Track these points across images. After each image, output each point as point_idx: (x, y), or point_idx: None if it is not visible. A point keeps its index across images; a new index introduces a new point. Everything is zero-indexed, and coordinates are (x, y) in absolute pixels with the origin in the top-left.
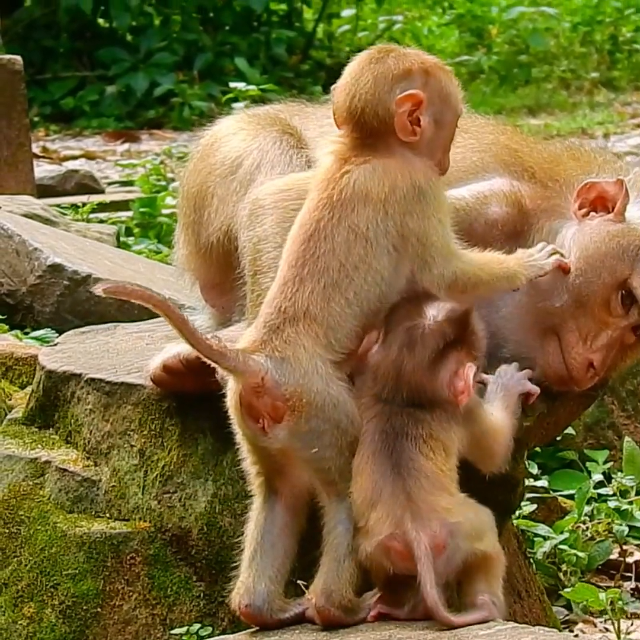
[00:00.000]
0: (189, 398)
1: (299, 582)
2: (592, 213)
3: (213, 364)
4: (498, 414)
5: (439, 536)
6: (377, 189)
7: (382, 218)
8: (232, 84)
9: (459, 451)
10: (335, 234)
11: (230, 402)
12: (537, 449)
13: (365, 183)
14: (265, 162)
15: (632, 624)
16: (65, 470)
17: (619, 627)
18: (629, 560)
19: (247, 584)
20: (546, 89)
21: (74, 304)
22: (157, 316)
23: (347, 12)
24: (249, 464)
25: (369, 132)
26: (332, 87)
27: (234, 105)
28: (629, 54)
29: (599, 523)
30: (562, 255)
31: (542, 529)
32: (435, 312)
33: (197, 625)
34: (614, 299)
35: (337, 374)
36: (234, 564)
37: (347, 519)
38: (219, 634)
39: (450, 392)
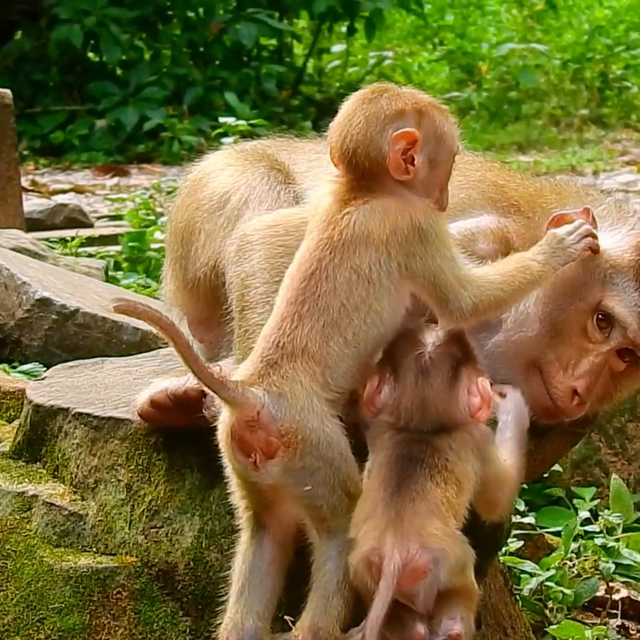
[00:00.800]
0: (176, 433)
1: (286, 617)
2: None
3: (211, 393)
4: (510, 460)
5: (417, 559)
6: (378, 231)
7: (385, 259)
8: (221, 119)
9: (472, 490)
10: (337, 274)
11: (222, 435)
12: (524, 485)
13: (366, 224)
14: (253, 198)
15: None
16: (52, 504)
17: None
18: (615, 597)
19: (235, 620)
20: (536, 126)
21: (62, 338)
22: (145, 351)
23: (338, 48)
24: (237, 499)
25: (362, 172)
26: (330, 126)
27: (224, 140)
28: (619, 91)
29: (585, 560)
30: (594, 236)
31: (529, 565)
32: (434, 338)
33: None
34: (590, 324)
35: (332, 412)
36: (221, 599)
37: (336, 556)
38: None
39: (469, 411)
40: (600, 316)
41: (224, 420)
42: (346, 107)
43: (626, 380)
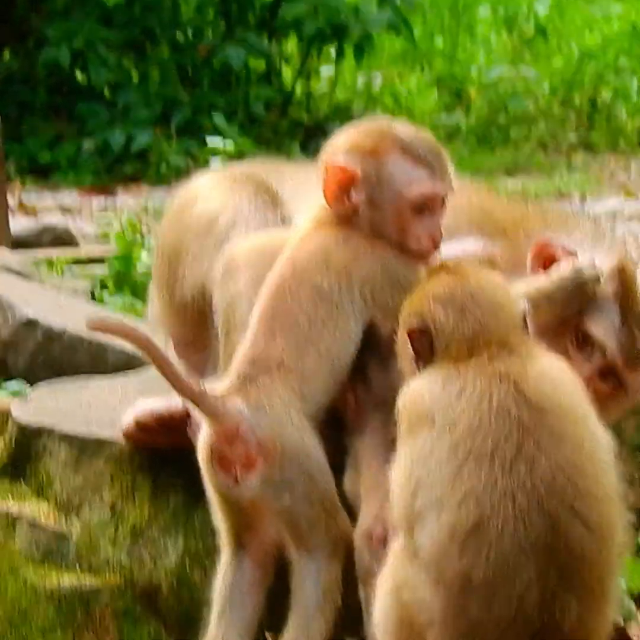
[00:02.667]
0: (161, 454)
1: (266, 635)
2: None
3: (191, 406)
4: None
5: None
6: (337, 257)
7: (346, 285)
8: (209, 141)
9: None
10: (300, 291)
11: (202, 453)
12: None
13: (328, 248)
14: (240, 220)
15: None
16: (36, 523)
17: None
18: None
19: (217, 639)
20: (524, 150)
21: (48, 358)
22: (130, 370)
23: (326, 70)
24: (218, 519)
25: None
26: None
27: (211, 162)
28: (608, 117)
29: None
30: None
31: None
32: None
33: None
34: (570, 347)
35: (310, 425)
36: (204, 620)
37: (315, 575)
38: None
39: None
40: (579, 338)
41: (203, 437)
42: None
43: (611, 403)
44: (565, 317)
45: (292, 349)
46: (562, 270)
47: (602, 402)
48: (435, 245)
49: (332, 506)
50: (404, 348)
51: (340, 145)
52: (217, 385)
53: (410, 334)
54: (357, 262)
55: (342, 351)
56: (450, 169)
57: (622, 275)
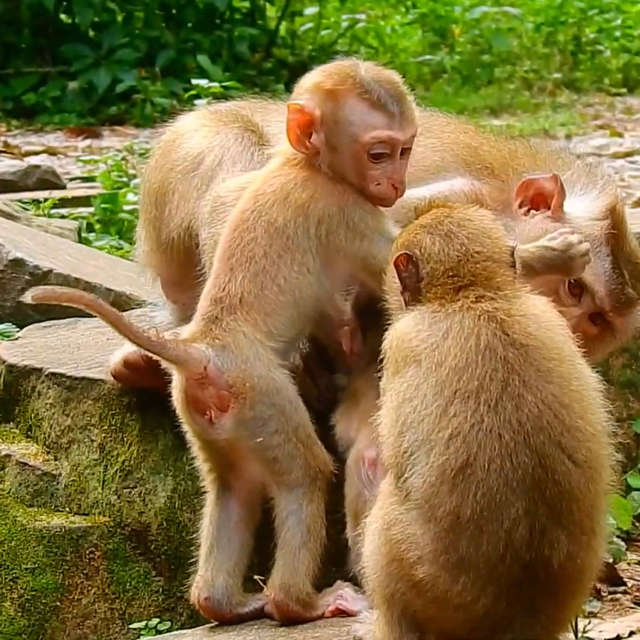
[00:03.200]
0: (150, 394)
1: (256, 577)
2: (533, 211)
3: (155, 356)
4: None
5: None
6: (296, 195)
7: (302, 221)
8: (194, 81)
9: None
10: (256, 225)
11: (177, 399)
12: None
13: (288, 186)
14: (227, 159)
15: (589, 622)
16: (25, 464)
17: (576, 626)
18: None
19: (206, 578)
20: (509, 90)
21: None
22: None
23: (310, 10)
24: (200, 461)
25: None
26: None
27: (196, 102)
28: (592, 55)
29: None
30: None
31: None
32: None
33: (155, 620)
34: (562, 289)
35: (279, 360)
36: (194, 559)
37: (297, 510)
38: (177, 629)
39: None
40: (571, 281)
41: (175, 384)
42: None
43: (599, 344)
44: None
45: (251, 284)
46: (552, 238)
47: (590, 343)
48: (397, 191)
49: (307, 438)
50: (391, 284)
51: (305, 86)
52: (183, 331)
53: (396, 263)
54: (314, 201)
55: (302, 283)
56: (414, 115)
57: (614, 217)
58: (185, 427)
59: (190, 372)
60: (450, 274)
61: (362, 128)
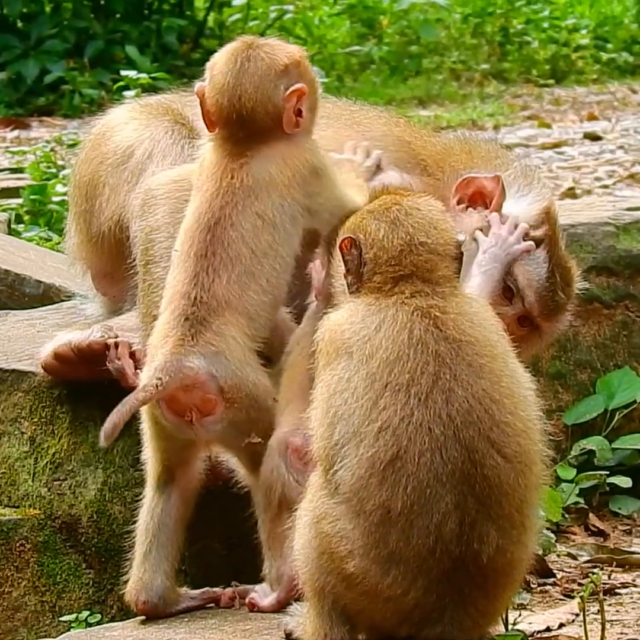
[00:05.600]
0: (80, 386)
1: (233, 583)
2: (470, 209)
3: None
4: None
5: None
6: (279, 175)
7: (289, 203)
8: (123, 72)
9: None
10: (242, 220)
11: (146, 396)
12: None
13: (267, 170)
14: (157, 152)
15: (519, 615)
16: None
17: (506, 618)
18: None
19: (144, 580)
20: (436, 80)
21: None
22: (48, 303)
23: (238, 1)
24: (150, 453)
25: (257, 128)
26: (197, 86)
27: (125, 93)
28: (520, 46)
29: None
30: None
31: None
32: None
33: (86, 613)
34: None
35: (260, 361)
36: (124, 552)
37: None
38: (107, 621)
39: None
40: (504, 284)
41: (146, 383)
42: (223, 69)
43: (525, 345)
44: None
45: (236, 285)
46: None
47: (516, 343)
48: None
49: None
50: (337, 267)
51: (266, 75)
52: (159, 331)
53: (341, 247)
54: (294, 176)
55: (281, 282)
56: None
57: (549, 222)
58: (147, 422)
59: (178, 383)
60: (393, 262)
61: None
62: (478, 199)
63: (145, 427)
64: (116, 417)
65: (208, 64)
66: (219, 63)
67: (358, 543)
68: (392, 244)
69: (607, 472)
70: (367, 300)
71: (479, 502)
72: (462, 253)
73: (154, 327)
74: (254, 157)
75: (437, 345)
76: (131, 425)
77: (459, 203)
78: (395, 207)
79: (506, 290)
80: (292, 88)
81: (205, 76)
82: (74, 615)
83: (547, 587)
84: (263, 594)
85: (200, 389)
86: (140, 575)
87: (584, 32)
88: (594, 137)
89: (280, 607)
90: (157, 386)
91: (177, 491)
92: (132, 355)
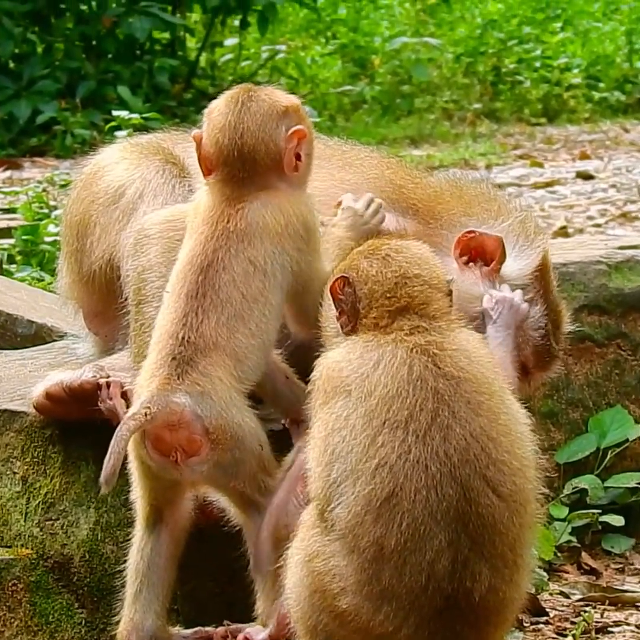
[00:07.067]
0: (72, 425)
1: (225, 622)
2: (471, 263)
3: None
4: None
5: None
6: (273, 223)
7: (279, 252)
8: (114, 112)
9: None
10: (234, 264)
11: (133, 437)
12: None
13: (262, 216)
14: (148, 192)
15: None
16: None
17: None
18: None
19: (135, 621)
20: (429, 120)
21: None
22: (40, 343)
23: (230, 41)
24: (138, 493)
25: (256, 169)
26: (194, 132)
27: (117, 133)
28: (512, 85)
29: None
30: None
31: None
32: None
33: None
34: None
35: (247, 403)
36: (117, 591)
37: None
38: None
39: None
40: None
41: (132, 421)
42: (223, 110)
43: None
44: None
45: (225, 328)
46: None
47: None
48: None
49: (272, 467)
50: (327, 312)
51: (268, 115)
52: (147, 370)
53: (332, 289)
54: (287, 227)
55: (271, 328)
56: None
57: (544, 276)
58: (134, 462)
59: (163, 421)
60: (388, 295)
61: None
62: (479, 254)
63: (133, 468)
64: (114, 459)
65: (205, 111)
66: (219, 105)
67: (351, 580)
68: (386, 277)
69: (600, 511)
70: (364, 338)
71: (472, 541)
72: (451, 291)
73: (142, 366)
74: (250, 203)
75: (436, 382)
76: (123, 465)
77: (461, 256)
78: (385, 246)
79: None
80: (293, 128)
81: (203, 121)
82: None
83: (540, 626)
84: (256, 633)
85: (186, 429)
86: (131, 616)
87: (576, 71)
88: (586, 176)
89: None
90: (145, 415)
91: (166, 531)
92: (123, 395)
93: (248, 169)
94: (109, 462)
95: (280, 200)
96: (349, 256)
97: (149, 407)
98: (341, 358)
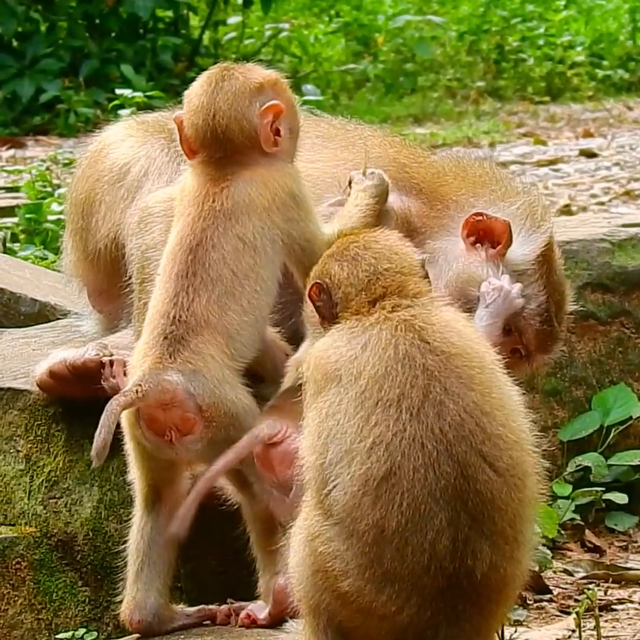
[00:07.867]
0: (75, 404)
1: (228, 600)
2: (478, 244)
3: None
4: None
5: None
6: (259, 199)
7: (268, 227)
8: (118, 91)
9: None
10: (223, 243)
11: (126, 416)
12: None
13: (247, 193)
14: (153, 170)
15: (515, 631)
16: None
17: (502, 634)
18: None
19: (137, 600)
20: (432, 98)
21: None
22: (43, 322)
23: (234, 20)
24: (135, 473)
25: (233, 149)
26: (175, 116)
27: (120, 112)
28: (515, 63)
29: None
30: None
31: None
32: None
33: (82, 630)
34: None
35: (241, 380)
36: (120, 569)
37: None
38: (104, 639)
39: None
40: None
41: (123, 396)
42: (197, 92)
43: (513, 371)
44: None
45: (216, 305)
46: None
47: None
48: None
49: None
50: (309, 316)
51: (240, 93)
52: (139, 350)
53: (310, 295)
54: (274, 200)
55: (263, 304)
56: None
57: (548, 259)
58: (129, 442)
59: (156, 400)
60: (364, 293)
61: (298, 105)
62: (486, 236)
63: (129, 449)
64: (104, 432)
65: (185, 92)
66: (195, 87)
67: (352, 563)
68: (358, 278)
69: (603, 489)
70: (349, 324)
71: (472, 518)
72: (427, 272)
73: (136, 347)
74: (234, 181)
75: (424, 359)
76: (121, 443)
77: (468, 235)
78: (353, 245)
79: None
80: (268, 104)
81: (183, 103)
82: (70, 633)
83: (544, 604)
84: (259, 610)
85: (179, 407)
86: (134, 594)
87: (579, 49)
88: (589, 154)
89: (273, 621)
90: (137, 392)
91: (165, 510)
92: (126, 373)
93: (226, 148)
94: (100, 436)
95: (263, 176)
96: (321, 259)
97: (140, 385)
98: (328, 346)
